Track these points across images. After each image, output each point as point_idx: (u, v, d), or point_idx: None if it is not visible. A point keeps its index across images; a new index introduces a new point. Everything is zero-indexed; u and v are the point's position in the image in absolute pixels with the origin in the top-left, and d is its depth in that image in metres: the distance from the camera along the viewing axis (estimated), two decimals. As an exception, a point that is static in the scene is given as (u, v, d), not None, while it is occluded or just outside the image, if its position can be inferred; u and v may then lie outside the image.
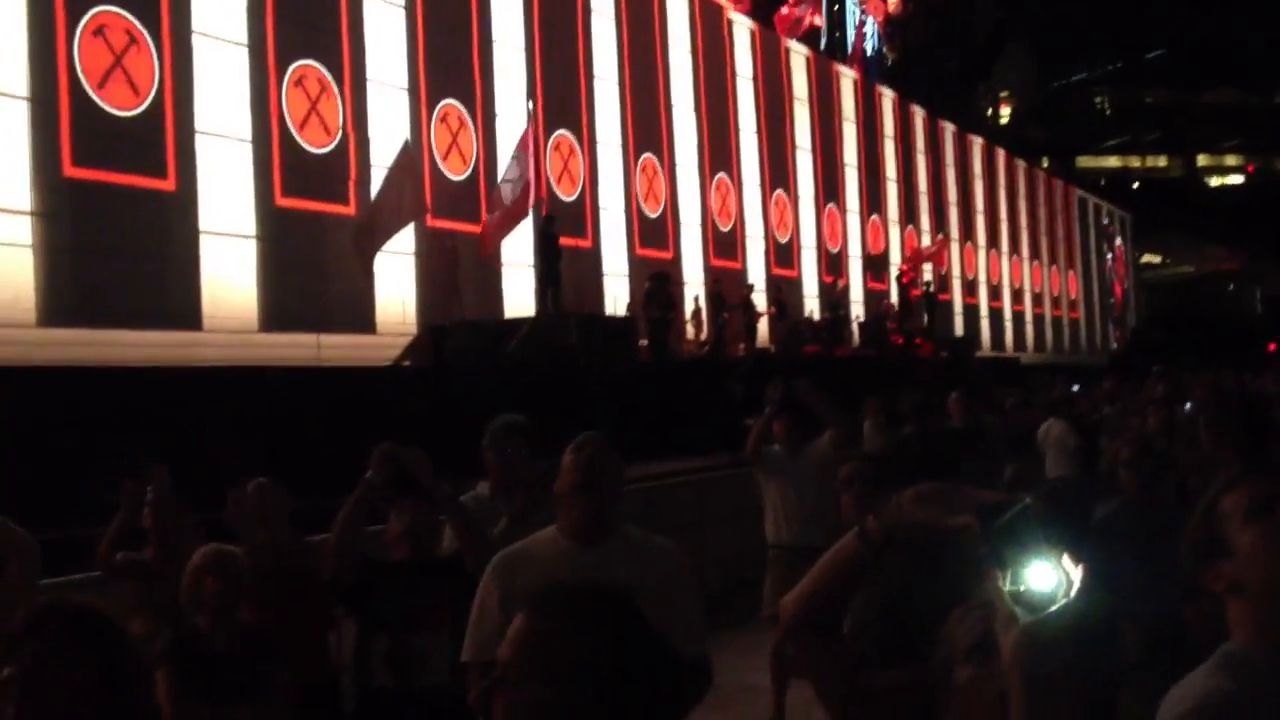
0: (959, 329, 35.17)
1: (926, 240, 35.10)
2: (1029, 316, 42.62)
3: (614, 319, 20.33)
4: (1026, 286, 42.80)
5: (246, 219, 15.36)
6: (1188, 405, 10.82)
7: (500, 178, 17.96)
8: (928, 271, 31.67)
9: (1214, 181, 70.58)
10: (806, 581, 2.23)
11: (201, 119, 14.82)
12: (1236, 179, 70.34)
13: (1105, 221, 52.31)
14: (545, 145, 20.32)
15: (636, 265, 22.56)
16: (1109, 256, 52.30)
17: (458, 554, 4.81)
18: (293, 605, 5.04)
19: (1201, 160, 70.34)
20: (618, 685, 1.54)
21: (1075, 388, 16.62)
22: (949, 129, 38.38)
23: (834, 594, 2.22)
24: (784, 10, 29.68)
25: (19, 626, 2.11)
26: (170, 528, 5.34)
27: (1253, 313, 58.49)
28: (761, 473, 8.02)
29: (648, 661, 1.59)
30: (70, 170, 13.29)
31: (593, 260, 21.70)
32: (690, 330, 22.79)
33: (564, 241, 18.75)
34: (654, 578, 3.37)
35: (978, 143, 40.47)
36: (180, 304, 14.35)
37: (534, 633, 1.58)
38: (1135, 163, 69.57)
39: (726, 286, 23.20)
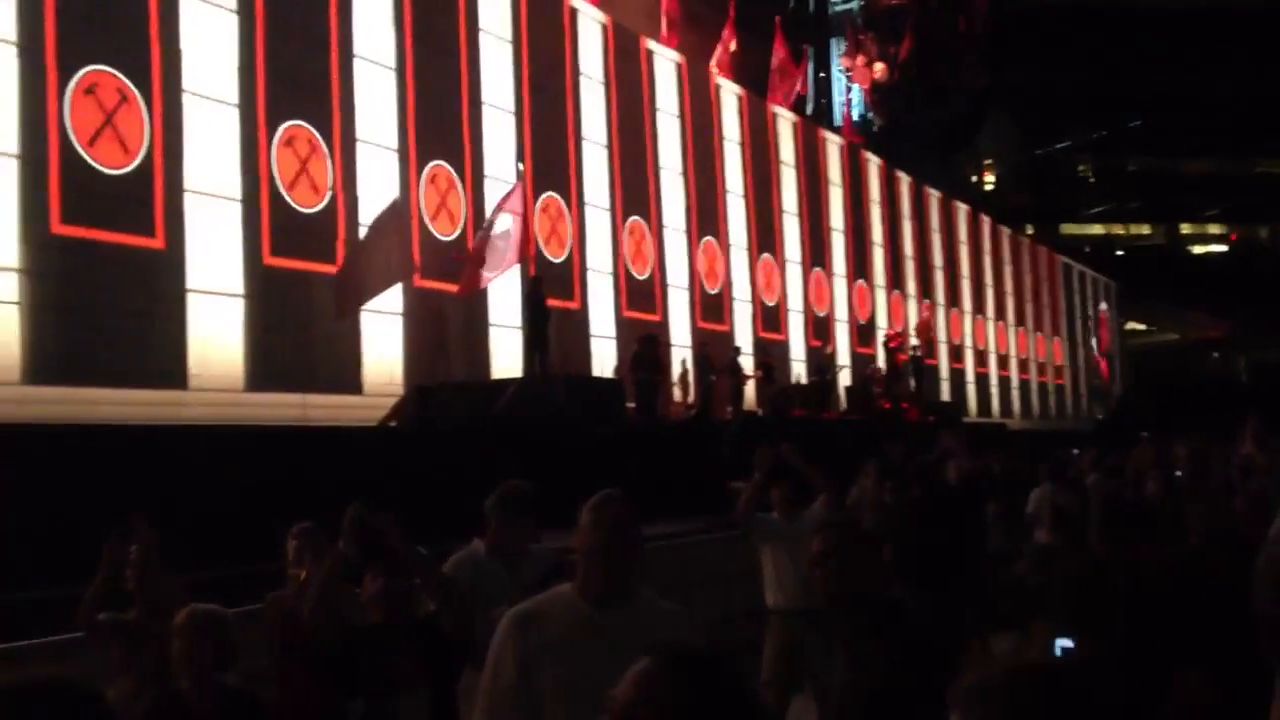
0: (945, 394, 35.23)
1: (912, 304, 35.26)
2: (1015, 382, 42.73)
3: (601, 381, 20.31)
4: (1012, 352, 42.96)
5: (235, 278, 15.34)
6: (1178, 473, 10.82)
7: (483, 230, 18.05)
8: (913, 336, 31.77)
9: (1197, 249, 71.13)
10: None
11: (191, 178, 14.83)
12: (1220, 247, 70.93)
13: (1090, 289, 52.64)
14: (534, 207, 20.41)
15: (624, 327, 22.58)
16: (1094, 324, 52.58)
17: (434, 615, 4.74)
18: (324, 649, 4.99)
19: (1185, 229, 70.90)
20: None
21: (1075, 451, 16.87)
22: (934, 195, 38.69)
23: None
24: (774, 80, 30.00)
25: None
26: (155, 588, 5.26)
27: (1238, 380, 58.74)
28: (757, 540, 8.01)
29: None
30: (59, 228, 13.27)
31: (580, 322, 21.72)
32: (677, 393, 22.76)
33: (551, 303, 18.78)
34: None
35: (963, 209, 40.78)
36: (167, 363, 14.28)
37: (656, 678, 1.90)
38: (1119, 230, 70.12)
39: (714, 349, 23.22)
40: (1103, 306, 53.37)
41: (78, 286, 13.39)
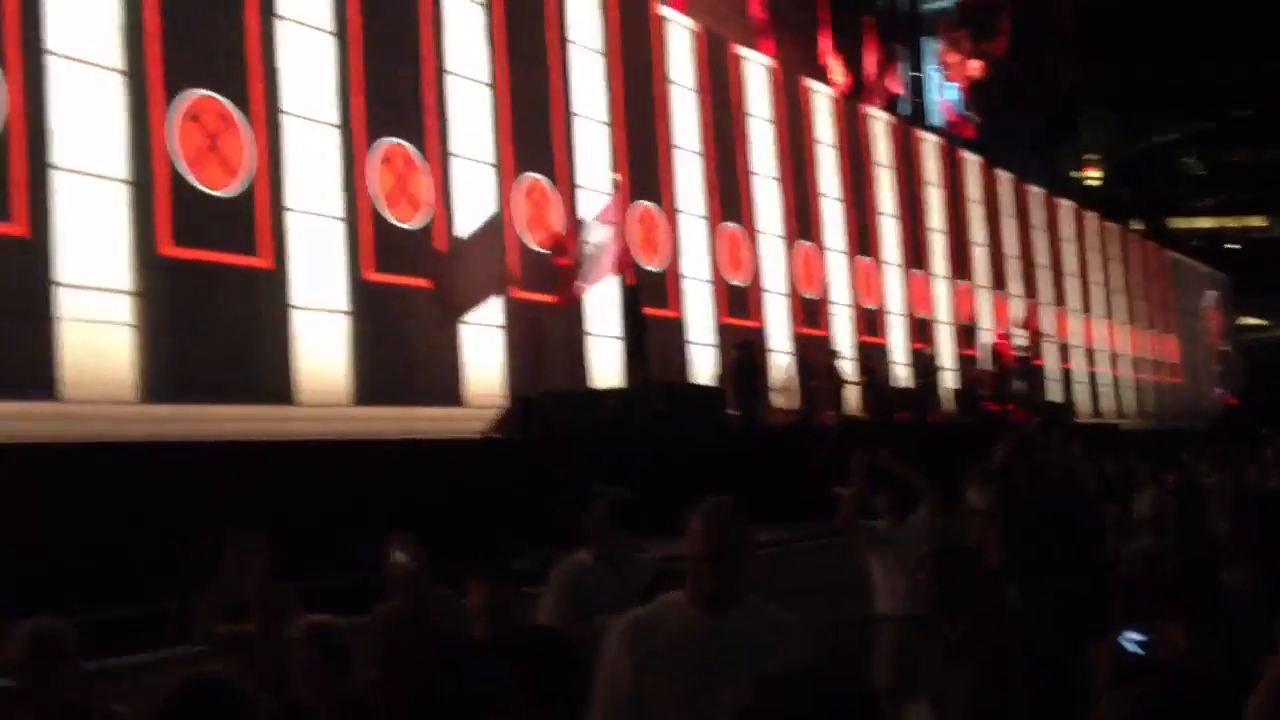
0: (1055, 395, 34.58)
1: (1017, 304, 34.69)
2: (1127, 381, 41.80)
3: (701, 388, 20.27)
4: (1123, 350, 42.03)
5: (338, 294, 15.58)
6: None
7: (581, 240, 18.18)
8: (1022, 337, 31.24)
9: (1316, 241, 68.79)
10: None
11: (293, 197, 15.10)
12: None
13: (1200, 284, 51.29)
14: (628, 216, 20.45)
15: (722, 334, 22.52)
16: (1207, 320, 51.19)
17: (539, 629, 4.71)
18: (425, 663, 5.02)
19: (1300, 219, 68.68)
20: None
21: (1189, 451, 16.51)
22: (1036, 192, 38.03)
23: None
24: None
25: (160, 705, 2.17)
26: (271, 599, 5.34)
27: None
28: (863, 547, 7.94)
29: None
30: (167, 250, 13.58)
31: (678, 330, 21.71)
32: (778, 399, 22.64)
33: (648, 311, 18.78)
34: (777, 652, 3.33)
35: (1066, 205, 40.03)
36: (274, 379, 14.54)
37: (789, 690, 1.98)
38: (1230, 223, 68.16)
39: (813, 354, 23.05)
40: (1209, 295, 51.75)
41: (187, 306, 13.69)
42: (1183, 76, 59.45)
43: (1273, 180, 63.49)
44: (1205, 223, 66.83)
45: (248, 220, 14.49)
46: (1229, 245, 63.67)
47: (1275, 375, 53.02)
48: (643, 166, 21.40)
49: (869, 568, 8.09)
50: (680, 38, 23.31)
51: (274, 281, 14.73)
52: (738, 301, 23.54)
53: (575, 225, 19.11)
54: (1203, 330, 50.56)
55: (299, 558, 5.96)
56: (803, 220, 26.13)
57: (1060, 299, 38.05)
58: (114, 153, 13.25)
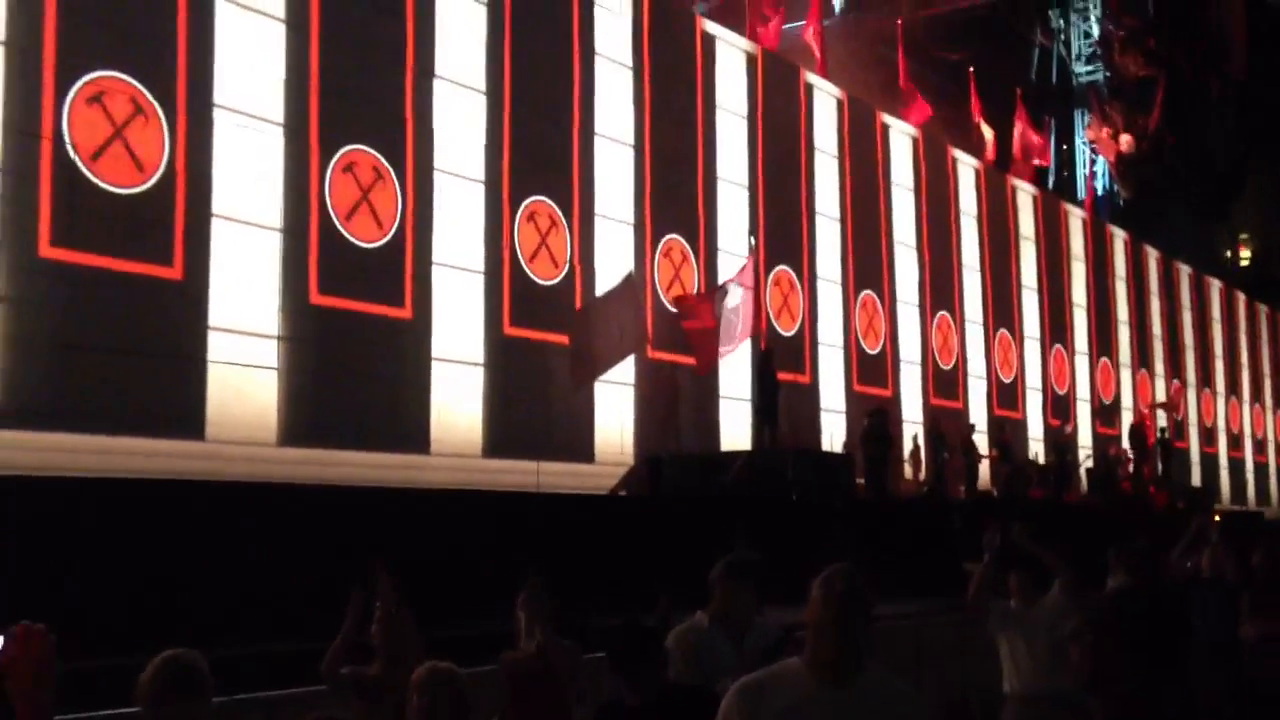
0: (1196, 479, 33.44)
1: (1160, 384, 33.73)
2: (1273, 469, 40.19)
3: (831, 455, 20.10)
4: (1270, 437, 40.47)
5: (475, 347, 15.88)
6: None
7: (718, 304, 18.21)
8: (1162, 418, 30.31)
9: None
10: None
11: (439, 250, 15.49)
12: None
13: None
14: (765, 280, 20.49)
15: (854, 401, 22.33)
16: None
17: (689, 687, 4.70)
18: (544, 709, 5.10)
19: None
20: None
21: None
22: (1185, 271, 37.04)
23: None
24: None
25: None
26: (397, 642, 5.42)
27: None
28: (994, 627, 7.76)
29: None
30: (316, 298, 14.03)
31: (810, 395, 21.59)
32: (908, 469, 22.32)
33: (781, 376, 18.74)
34: None
35: (1216, 285, 38.89)
36: (411, 427, 14.86)
37: None
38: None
39: (947, 426, 22.70)
40: None
41: (330, 353, 14.09)
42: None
43: None
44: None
45: (394, 272, 14.90)
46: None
47: None
48: (782, 231, 21.45)
49: (999, 646, 7.88)
50: (826, 105, 23.39)
51: (415, 332, 15.09)
52: (871, 369, 23.35)
53: (712, 288, 19.19)
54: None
55: (426, 604, 6.06)
56: (941, 290, 25.85)
57: (1206, 380, 36.88)
58: (270, 202, 13.77)
